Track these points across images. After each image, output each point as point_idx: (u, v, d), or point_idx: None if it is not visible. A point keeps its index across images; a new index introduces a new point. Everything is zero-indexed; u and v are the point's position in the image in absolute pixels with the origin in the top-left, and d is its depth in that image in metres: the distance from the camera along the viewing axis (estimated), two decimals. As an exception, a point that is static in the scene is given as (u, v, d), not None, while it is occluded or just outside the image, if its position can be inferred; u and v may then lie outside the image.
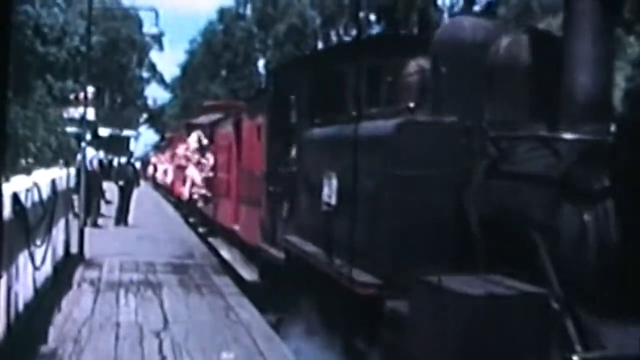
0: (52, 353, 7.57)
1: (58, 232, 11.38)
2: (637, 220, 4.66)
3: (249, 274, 11.71)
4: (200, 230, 19.16)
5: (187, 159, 20.37)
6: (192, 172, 19.34)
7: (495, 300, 4.33)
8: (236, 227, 13.61)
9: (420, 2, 35.17)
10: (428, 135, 5.65)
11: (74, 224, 13.56)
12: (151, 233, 18.69)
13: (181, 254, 15.36)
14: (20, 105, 10.16)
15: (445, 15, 35.12)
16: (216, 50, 57.30)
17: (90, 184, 15.89)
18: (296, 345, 7.92)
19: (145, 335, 8.34)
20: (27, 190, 8.03)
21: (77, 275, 11.99)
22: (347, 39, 42.39)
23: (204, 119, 21.18)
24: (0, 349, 6.77)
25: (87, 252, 13.87)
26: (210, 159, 17.94)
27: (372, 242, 5.97)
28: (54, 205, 9.88)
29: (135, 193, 21.91)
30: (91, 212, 17.97)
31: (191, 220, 21.53)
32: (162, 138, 44.06)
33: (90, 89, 17.02)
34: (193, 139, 19.74)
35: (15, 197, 7.23)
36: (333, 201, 6.80)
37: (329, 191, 6.90)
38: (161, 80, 69.19)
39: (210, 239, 16.91)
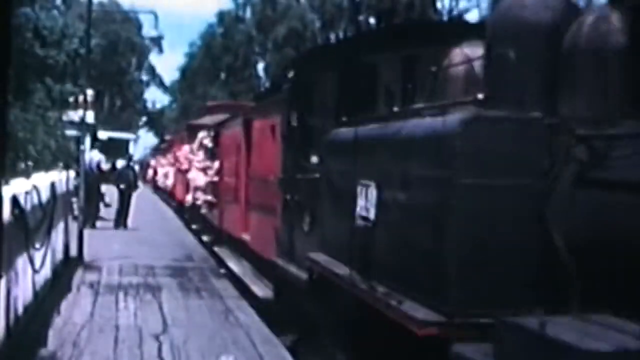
0: (51, 356, 7.57)
1: (57, 235, 11.37)
2: None
3: (261, 289, 10.65)
4: (205, 238, 17.93)
5: (190, 161, 19.45)
6: (196, 176, 18.30)
7: (630, 358, 3.23)
8: (246, 237, 12.55)
9: (420, 5, 35.24)
10: (503, 134, 4.48)
11: (74, 227, 13.57)
12: (150, 236, 18.69)
13: (180, 256, 15.36)
14: (19, 108, 10.15)
15: (445, 18, 35.19)
16: (216, 54, 57.38)
17: (89, 187, 15.89)
18: None
19: (145, 338, 8.34)
20: (27, 193, 8.03)
21: (76, 278, 11.99)
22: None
23: (207, 120, 20.28)
24: (-1, 352, 6.77)
25: (87, 255, 13.87)
26: (215, 162, 16.73)
27: (430, 267, 4.69)
28: (53, 208, 9.87)
29: (135, 196, 21.91)
30: (90, 213, 17.94)
31: (194, 227, 20.36)
32: (162, 141, 44.04)
33: (90, 92, 17.00)
34: (197, 141, 18.63)
35: (14, 200, 7.22)
36: (371, 215, 5.66)
37: (366, 203, 5.77)
38: (160, 83, 69.41)
39: (216, 249, 15.65)
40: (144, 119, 70.20)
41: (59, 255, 11.95)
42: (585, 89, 4.59)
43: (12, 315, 7.28)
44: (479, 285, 4.33)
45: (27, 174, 9.18)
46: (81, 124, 15.35)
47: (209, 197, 17.13)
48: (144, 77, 69.28)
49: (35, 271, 8.57)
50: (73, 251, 13.39)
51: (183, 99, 62.80)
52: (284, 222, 9.08)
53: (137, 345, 8.03)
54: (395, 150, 5.18)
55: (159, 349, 7.91)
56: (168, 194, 30.12)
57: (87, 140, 17.01)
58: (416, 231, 4.90)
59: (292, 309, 8.70)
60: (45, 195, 9.27)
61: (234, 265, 13.01)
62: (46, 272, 9.91)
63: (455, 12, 35.78)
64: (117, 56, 62.12)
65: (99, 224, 19.94)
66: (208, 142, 17.73)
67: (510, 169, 4.45)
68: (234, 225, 14.01)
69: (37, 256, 8.67)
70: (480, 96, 4.93)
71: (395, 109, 5.84)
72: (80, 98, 15.73)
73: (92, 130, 21.21)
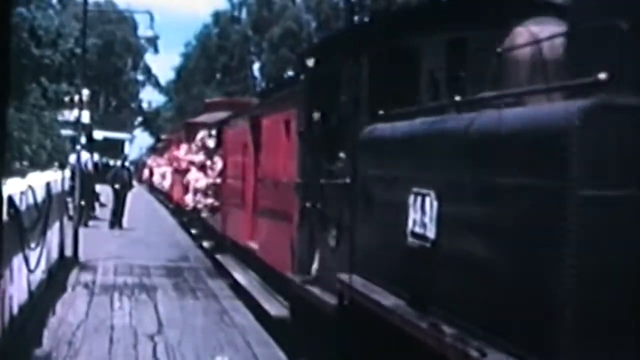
0: (46, 356, 7.56)
1: (52, 235, 11.37)
2: None
3: (274, 306, 9.21)
4: (205, 244, 16.41)
5: (190, 162, 18.15)
6: (195, 177, 16.88)
7: None
8: (253, 245, 11.28)
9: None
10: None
11: (69, 227, 13.56)
12: (146, 236, 18.69)
13: (175, 257, 15.36)
14: (15, 108, 10.15)
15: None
16: (211, 54, 57.39)
17: (83, 186, 15.86)
18: None
19: (140, 338, 8.34)
20: (22, 193, 8.03)
21: (71, 278, 11.98)
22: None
23: (206, 118, 19.20)
24: (-6, 352, 6.77)
25: (82, 255, 13.86)
26: (218, 163, 15.38)
27: (529, 307, 3.50)
28: (48, 208, 9.87)
29: (130, 196, 21.89)
30: (83, 212, 17.88)
31: (193, 231, 18.90)
32: (158, 140, 43.85)
33: (85, 92, 16.98)
34: (197, 140, 17.24)
35: (10, 200, 7.22)
36: (430, 233, 4.53)
37: (422, 217, 4.64)
38: (156, 83, 69.36)
39: (218, 256, 13.96)
40: (140, 119, 70.12)
41: (54, 255, 11.96)
42: None
43: (7, 315, 7.28)
44: (603, 333, 3.23)
45: (22, 173, 9.18)
46: (76, 124, 15.36)
47: (211, 200, 15.85)
48: (140, 77, 69.28)
49: (30, 271, 8.57)
50: (68, 251, 13.40)
51: (179, 99, 62.77)
52: (302, 233, 7.76)
53: (132, 346, 8.03)
54: (467, 150, 4.10)
55: (154, 349, 7.91)
56: (165, 195, 29.37)
57: (83, 140, 16.98)
58: (504, 259, 3.74)
59: (313, 334, 7.39)
60: (40, 195, 9.27)
61: (239, 276, 11.72)
62: (41, 272, 9.91)
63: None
64: (112, 56, 62.07)
65: (91, 222, 19.91)
66: (210, 142, 16.42)
67: None
68: (238, 232, 12.80)
69: (33, 256, 8.67)
70: (602, 76, 3.38)
71: (457, 98, 4.68)
72: (76, 98, 15.72)
73: (88, 130, 21.17)
